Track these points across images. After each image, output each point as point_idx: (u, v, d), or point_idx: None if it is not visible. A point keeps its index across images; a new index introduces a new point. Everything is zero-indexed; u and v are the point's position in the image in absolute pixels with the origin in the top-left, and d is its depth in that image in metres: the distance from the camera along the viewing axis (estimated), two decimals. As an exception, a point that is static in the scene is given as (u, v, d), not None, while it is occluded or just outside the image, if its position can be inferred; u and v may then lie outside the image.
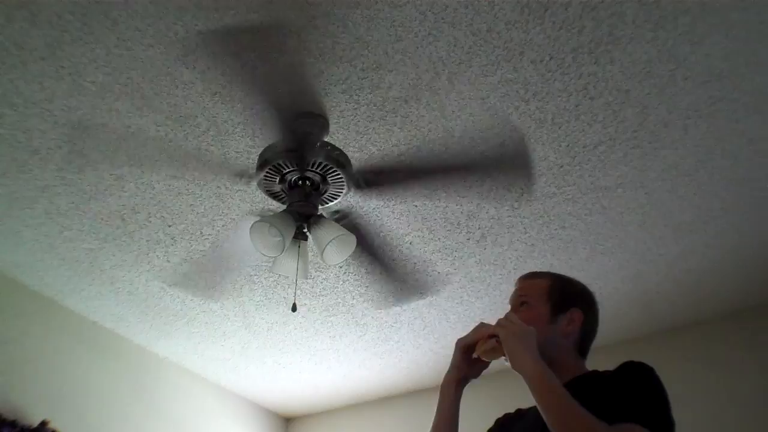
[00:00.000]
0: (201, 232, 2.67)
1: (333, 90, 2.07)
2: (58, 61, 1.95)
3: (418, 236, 2.69)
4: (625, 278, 2.96)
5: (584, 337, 1.44)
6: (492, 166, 2.31)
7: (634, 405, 1.19)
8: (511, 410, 1.57)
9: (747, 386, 2.99)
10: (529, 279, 1.54)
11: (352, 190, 2.18)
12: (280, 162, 2.04)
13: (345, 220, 2.29)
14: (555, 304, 1.45)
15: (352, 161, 2.19)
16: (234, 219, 2.60)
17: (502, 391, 2.89)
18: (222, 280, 2.72)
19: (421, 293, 2.94)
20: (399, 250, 2.70)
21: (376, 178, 2.18)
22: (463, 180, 2.32)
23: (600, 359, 1.48)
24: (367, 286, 2.92)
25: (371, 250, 2.41)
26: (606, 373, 1.33)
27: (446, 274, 2.92)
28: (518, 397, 1.49)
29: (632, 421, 1.16)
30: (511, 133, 2.22)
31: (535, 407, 1.40)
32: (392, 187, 2.25)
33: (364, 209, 2.51)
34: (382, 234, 2.59)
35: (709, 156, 2.33)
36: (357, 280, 2.96)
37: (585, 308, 1.45)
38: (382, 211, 2.54)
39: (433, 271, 2.90)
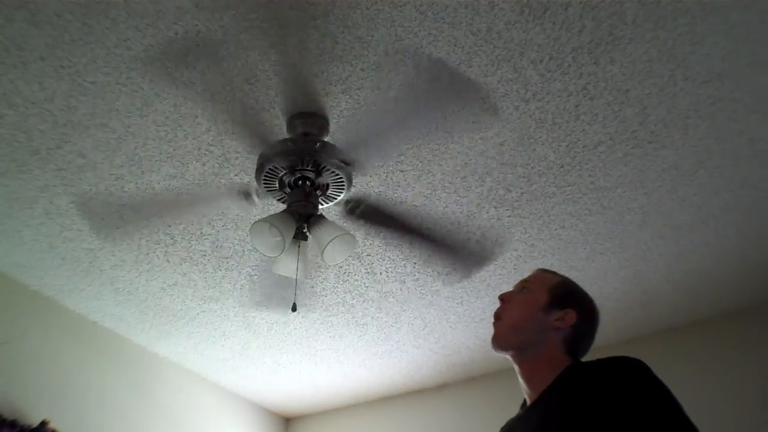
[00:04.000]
0: (201, 232, 2.67)
1: (333, 90, 2.07)
2: (58, 61, 1.95)
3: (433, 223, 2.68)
4: (625, 278, 2.96)
5: (574, 338, 1.44)
6: (457, 253, 2.61)
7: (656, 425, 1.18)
8: (511, 411, 1.57)
9: (747, 386, 2.99)
10: (543, 272, 1.57)
11: (345, 209, 2.20)
12: (279, 163, 2.04)
13: (361, 206, 2.28)
14: (554, 298, 1.47)
15: (351, 161, 2.19)
16: (234, 219, 2.60)
17: (502, 391, 2.90)
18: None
19: (485, 259, 2.88)
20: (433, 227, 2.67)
21: (367, 215, 2.25)
22: (435, 252, 2.53)
23: (600, 359, 1.48)
24: (394, 281, 2.95)
25: (408, 226, 2.40)
26: (592, 367, 1.31)
27: (446, 274, 2.92)
28: (518, 397, 1.49)
29: None
30: (486, 240, 2.55)
31: (531, 407, 1.40)
32: (377, 228, 2.37)
33: (374, 195, 2.50)
34: (406, 211, 2.56)
35: (709, 156, 2.33)
36: (357, 280, 2.96)
37: (581, 313, 1.46)
38: (389, 199, 2.53)
39: (433, 270, 2.90)
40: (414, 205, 2.52)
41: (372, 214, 2.28)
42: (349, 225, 2.37)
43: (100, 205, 2.45)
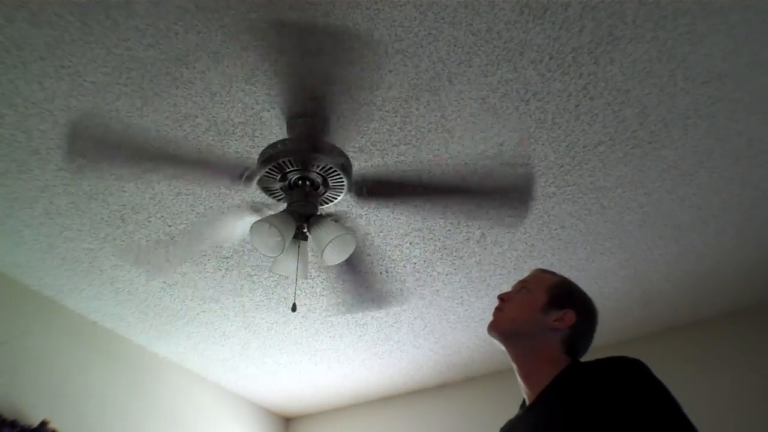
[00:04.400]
0: (201, 232, 2.67)
1: (333, 90, 2.07)
2: (58, 61, 1.95)
3: (418, 236, 2.69)
4: (625, 278, 2.96)
5: (573, 339, 1.44)
6: (494, 195, 2.30)
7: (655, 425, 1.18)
8: (511, 411, 1.57)
9: (747, 386, 2.99)
10: (542, 272, 1.58)
11: (352, 193, 2.18)
12: (284, 161, 2.04)
13: (368, 185, 2.26)
14: (553, 298, 1.47)
15: (353, 163, 2.19)
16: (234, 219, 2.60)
17: (502, 391, 2.90)
18: (180, 260, 2.72)
19: (382, 304, 3.00)
20: (383, 256, 2.72)
21: (376, 189, 2.19)
22: (461, 203, 2.32)
23: (600, 359, 1.48)
24: (393, 281, 2.93)
25: (354, 258, 2.39)
26: (591, 367, 1.31)
27: (446, 274, 2.92)
28: (518, 397, 1.49)
29: None
30: (522, 169, 2.28)
31: (530, 407, 1.40)
32: (391, 200, 2.26)
33: (359, 212, 2.52)
34: (368, 242, 2.61)
35: (709, 156, 2.33)
36: (369, 276, 2.96)
37: (580, 314, 1.46)
38: (382, 211, 2.54)
39: (433, 271, 2.90)
40: (414, 205, 2.52)
41: (381, 189, 2.24)
42: (357, 218, 2.34)
43: (90, 141, 2.28)
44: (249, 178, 2.16)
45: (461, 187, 2.34)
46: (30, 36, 1.87)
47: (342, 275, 2.58)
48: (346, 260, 2.19)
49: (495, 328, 1.48)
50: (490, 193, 2.32)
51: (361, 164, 2.32)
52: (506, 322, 1.47)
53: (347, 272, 2.52)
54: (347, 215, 2.57)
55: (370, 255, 2.70)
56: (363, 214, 2.56)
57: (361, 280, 2.61)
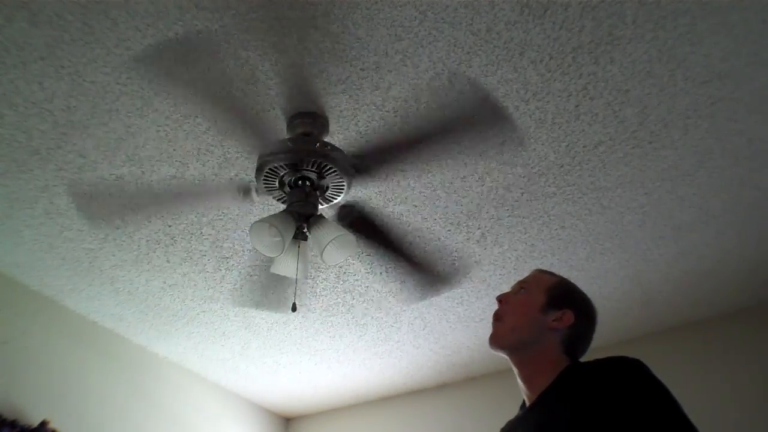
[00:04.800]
0: (201, 232, 2.67)
1: (333, 90, 2.07)
2: (58, 61, 1.95)
3: (418, 236, 2.69)
4: (625, 278, 2.96)
5: (572, 339, 1.44)
6: (476, 125, 2.24)
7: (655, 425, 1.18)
8: (511, 411, 1.57)
9: (747, 386, 2.99)
10: (540, 273, 1.58)
11: (351, 187, 2.18)
12: (279, 163, 2.04)
13: (354, 214, 2.28)
14: (551, 298, 1.47)
15: (348, 157, 2.18)
16: (234, 219, 2.60)
17: (502, 391, 2.89)
18: (282, 292, 2.73)
19: (449, 283, 2.93)
20: (416, 240, 2.69)
21: (366, 163, 2.17)
22: (449, 143, 2.25)
23: (600, 359, 1.48)
24: (393, 281, 2.92)
25: (392, 243, 2.39)
26: (591, 367, 1.31)
27: (444, 277, 2.92)
28: (518, 397, 1.49)
29: None
30: (475, 92, 2.14)
31: (530, 408, 1.40)
32: (384, 168, 2.22)
33: (371, 202, 2.51)
34: (396, 222, 2.56)
35: (709, 156, 2.33)
36: (357, 280, 2.96)
37: (579, 314, 1.46)
38: (382, 212, 2.54)
39: (432, 272, 2.90)
40: (414, 205, 2.52)
41: (362, 224, 2.28)
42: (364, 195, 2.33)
43: (100, 202, 2.44)
44: (247, 192, 2.18)
45: (439, 129, 2.23)
46: (30, 36, 1.87)
47: (396, 265, 2.58)
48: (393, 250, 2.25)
49: (497, 342, 1.47)
50: (468, 123, 2.24)
51: (349, 152, 2.32)
52: (507, 334, 1.47)
53: (399, 262, 2.52)
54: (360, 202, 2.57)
55: (411, 242, 2.68)
56: (373, 206, 2.55)
57: (418, 266, 2.60)
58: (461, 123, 2.23)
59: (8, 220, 2.58)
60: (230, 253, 2.79)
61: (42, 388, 2.89)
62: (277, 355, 3.57)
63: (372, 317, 3.24)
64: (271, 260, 2.24)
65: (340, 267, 2.87)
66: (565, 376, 1.35)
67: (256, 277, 2.65)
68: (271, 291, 2.63)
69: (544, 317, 1.45)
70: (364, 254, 2.77)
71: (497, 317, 1.50)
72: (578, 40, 1.92)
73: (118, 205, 2.41)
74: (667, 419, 1.17)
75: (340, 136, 2.24)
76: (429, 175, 2.40)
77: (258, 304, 2.84)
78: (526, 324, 1.45)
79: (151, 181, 2.39)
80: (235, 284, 2.97)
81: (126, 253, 2.77)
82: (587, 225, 2.65)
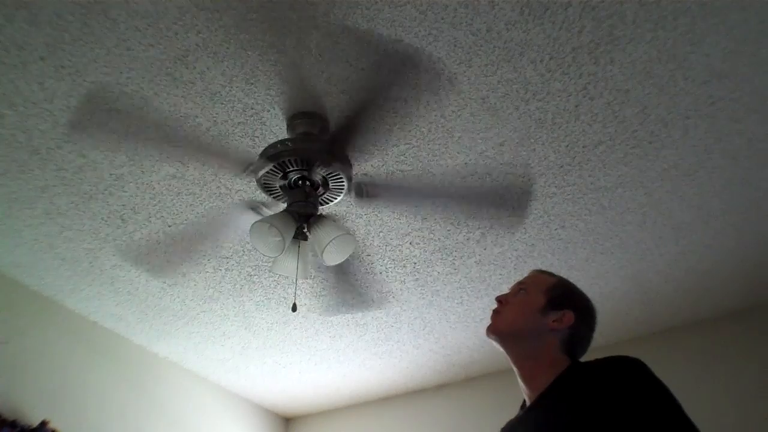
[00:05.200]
0: (201, 232, 2.67)
1: (333, 90, 2.07)
2: (58, 61, 1.95)
3: (418, 236, 2.69)
4: (625, 278, 2.96)
5: (572, 339, 1.44)
6: (491, 203, 2.37)
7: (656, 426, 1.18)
8: (511, 411, 1.57)
9: (747, 386, 2.99)
10: (539, 273, 1.58)
11: (353, 193, 2.19)
12: (287, 160, 2.04)
13: (368, 187, 2.27)
14: (551, 299, 1.47)
15: (353, 163, 2.19)
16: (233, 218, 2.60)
17: (502, 391, 2.89)
18: (181, 260, 2.73)
19: (367, 306, 3.01)
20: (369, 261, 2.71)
21: (376, 191, 2.20)
22: (459, 209, 2.38)
23: (600, 359, 1.48)
24: (394, 281, 2.93)
25: (424, 193, 2.38)
26: (591, 367, 1.31)
27: (446, 274, 2.92)
28: (518, 397, 1.49)
29: None
30: (520, 179, 2.28)
31: (531, 408, 1.40)
32: (391, 202, 2.27)
33: (359, 212, 2.51)
34: (368, 242, 2.60)
35: (709, 156, 2.33)
36: (357, 280, 2.96)
37: (579, 315, 1.46)
38: (382, 211, 2.54)
39: (433, 271, 2.90)
40: (414, 205, 2.52)
41: (381, 191, 2.24)
42: (357, 218, 2.33)
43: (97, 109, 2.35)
44: (252, 172, 2.16)
45: (460, 190, 2.36)
46: (30, 36, 1.87)
47: (333, 276, 2.59)
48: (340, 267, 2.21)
49: (494, 330, 1.48)
50: (489, 195, 2.35)
51: (361, 164, 2.32)
52: (505, 324, 1.47)
53: (336, 274, 2.53)
54: (347, 215, 2.57)
55: (360, 259, 2.75)
56: (363, 214, 2.56)
57: (348, 283, 2.62)
58: (484, 198, 2.28)
59: (8, 220, 2.58)
60: (230, 253, 2.79)
61: (42, 388, 2.89)
62: (277, 355, 3.57)
63: (372, 317, 3.24)
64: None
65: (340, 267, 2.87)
66: (566, 376, 1.35)
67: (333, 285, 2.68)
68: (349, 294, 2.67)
69: (544, 318, 1.45)
70: (364, 254, 2.77)
71: (496, 312, 1.50)
72: (578, 40, 1.92)
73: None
74: (668, 419, 1.17)
75: (339, 136, 2.23)
76: (429, 176, 2.40)
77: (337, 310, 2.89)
78: (526, 322, 1.45)
79: (151, 182, 2.39)
80: (235, 284, 2.97)
81: (126, 253, 2.76)
82: (587, 225, 2.65)
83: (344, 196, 2.19)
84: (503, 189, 2.38)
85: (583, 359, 1.42)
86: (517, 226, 2.57)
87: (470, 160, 2.33)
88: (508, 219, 2.50)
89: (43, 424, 2.73)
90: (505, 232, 2.67)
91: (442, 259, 2.82)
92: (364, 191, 2.19)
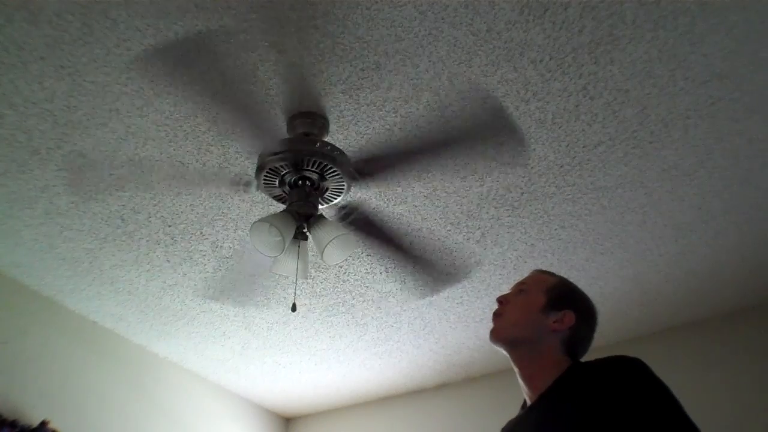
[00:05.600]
0: (201, 232, 2.67)
1: (333, 90, 2.07)
2: (58, 61, 1.95)
3: (418, 236, 2.69)
4: (625, 278, 2.96)
5: (573, 339, 1.44)
6: (479, 133, 2.27)
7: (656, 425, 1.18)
8: (511, 411, 1.57)
9: (747, 386, 2.99)
10: (540, 273, 1.58)
11: (352, 187, 2.18)
12: (279, 163, 2.04)
13: (354, 214, 2.29)
14: (552, 299, 1.47)
15: (351, 159, 2.19)
16: (234, 219, 2.60)
17: (502, 391, 2.89)
18: (254, 287, 2.75)
19: (449, 283, 2.94)
20: (416, 240, 2.70)
21: (369, 167, 2.18)
22: (455, 155, 2.28)
23: (600, 359, 1.48)
24: (393, 281, 2.94)
25: (392, 241, 2.42)
26: (592, 367, 1.31)
27: (446, 274, 2.92)
28: (518, 397, 1.49)
29: None
30: (486, 101, 2.16)
31: (531, 408, 1.40)
32: (386, 173, 2.23)
33: (371, 203, 2.51)
34: (396, 222, 2.57)
35: (709, 156, 2.33)
36: (357, 280, 2.96)
37: (579, 315, 1.46)
38: (382, 212, 2.54)
39: (434, 270, 2.90)
40: (414, 205, 2.52)
41: (362, 224, 2.29)
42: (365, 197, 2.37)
43: (90, 172, 2.37)
44: (248, 184, 2.18)
45: (446, 139, 2.28)
46: (30, 36, 1.87)
47: (398, 264, 2.63)
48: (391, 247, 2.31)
49: (497, 336, 1.47)
50: (475, 134, 2.26)
51: (354, 156, 2.32)
52: (507, 329, 1.47)
53: (400, 260, 2.57)
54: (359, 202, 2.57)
55: (360, 258, 2.78)
56: (373, 206, 2.55)
57: (419, 264, 2.65)
58: (465, 131, 2.25)
59: (8, 220, 2.58)
60: (230, 253, 2.79)
61: (42, 388, 2.89)
62: (277, 355, 3.57)
63: (372, 317, 3.24)
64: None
65: (340, 267, 2.87)
66: (566, 376, 1.35)
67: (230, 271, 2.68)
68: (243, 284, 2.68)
69: (545, 318, 1.45)
70: (364, 254, 2.77)
71: (497, 315, 1.50)
72: (578, 40, 1.92)
73: (107, 182, 2.37)
74: (668, 418, 1.17)
75: (340, 136, 2.24)
76: (429, 176, 2.40)
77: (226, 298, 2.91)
78: (527, 323, 1.45)
79: (151, 182, 2.39)
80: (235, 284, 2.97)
81: (126, 253, 2.77)
82: (587, 225, 2.65)
83: (344, 194, 2.19)
84: (483, 122, 2.28)
85: (583, 359, 1.42)
86: (525, 160, 2.40)
87: (470, 159, 2.33)
88: (509, 150, 2.36)
89: (43, 424, 2.73)
90: (505, 232, 2.68)
91: (442, 259, 2.82)
92: (356, 173, 2.17)
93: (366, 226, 2.34)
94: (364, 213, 2.32)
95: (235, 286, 2.81)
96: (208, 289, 2.95)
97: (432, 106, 2.14)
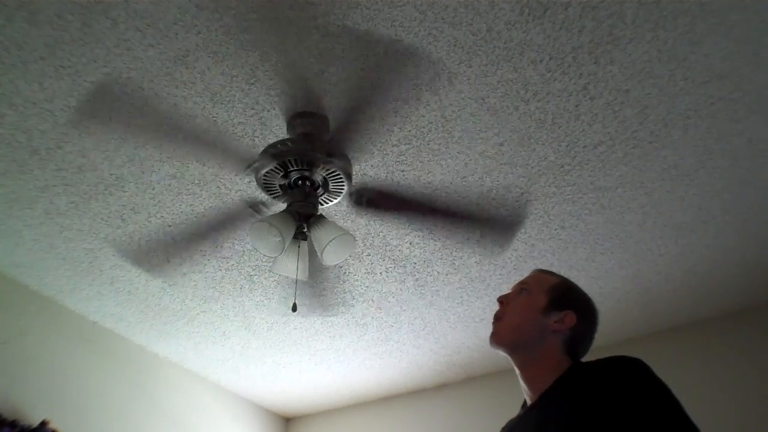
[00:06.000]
0: (201, 232, 2.67)
1: (333, 90, 2.07)
2: (58, 61, 1.95)
3: (419, 236, 2.69)
4: (625, 278, 2.96)
5: (573, 340, 1.44)
6: (483, 222, 2.43)
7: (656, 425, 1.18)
8: (511, 411, 1.57)
9: (747, 386, 2.99)
10: (540, 273, 1.57)
11: (352, 200, 2.20)
12: (290, 159, 2.04)
13: (366, 194, 2.28)
14: (553, 299, 1.47)
15: (353, 164, 2.20)
16: (234, 219, 2.60)
17: (502, 391, 2.90)
18: (181, 260, 2.74)
19: (515, 222, 2.68)
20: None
21: (375, 201, 2.24)
22: (450, 225, 2.42)
23: (600, 359, 1.48)
24: (393, 281, 2.93)
25: (422, 203, 2.39)
26: (592, 367, 1.31)
27: (446, 274, 2.92)
28: (518, 397, 1.49)
29: None
30: (515, 204, 2.36)
31: (532, 408, 1.40)
32: (387, 213, 2.29)
33: (357, 214, 2.51)
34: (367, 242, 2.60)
35: (709, 156, 2.33)
36: (357, 280, 2.96)
37: (580, 315, 1.46)
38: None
39: (433, 271, 2.90)
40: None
41: (380, 200, 2.26)
42: (357, 218, 2.35)
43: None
44: (254, 171, 2.16)
45: (452, 211, 2.42)
46: (30, 36, 1.87)
47: (442, 227, 2.57)
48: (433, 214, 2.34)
49: (498, 341, 1.47)
50: (481, 222, 2.43)
51: (361, 164, 2.32)
52: (507, 333, 1.46)
53: (442, 221, 2.53)
54: (347, 215, 2.57)
55: (360, 259, 2.76)
56: (363, 213, 2.55)
57: (467, 217, 2.56)
58: (478, 218, 2.32)
59: (8, 220, 2.58)
60: (230, 253, 2.79)
61: (42, 388, 2.89)
62: (277, 355, 3.57)
63: (372, 317, 3.24)
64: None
65: (340, 267, 2.87)
66: (567, 376, 1.35)
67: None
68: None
69: (546, 319, 1.44)
70: (365, 254, 2.78)
71: (498, 318, 1.50)
72: (578, 40, 1.92)
73: (107, 179, 2.38)
74: (669, 419, 1.17)
75: (339, 135, 2.23)
76: (429, 176, 2.41)
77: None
78: (528, 325, 1.45)
79: (151, 182, 2.39)
80: (235, 284, 2.97)
81: (126, 253, 2.76)
82: (587, 225, 2.65)
83: (342, 198, 2.19)
84: (494, 218, 2.47)
85: (584, 359, 1.42)
86: (497, 255, 2.72)
87: (470, 160, 2.34)
88: (491, 246, 2.62)
89: (43, 424, 2.73)
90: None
91: (442, 259, 2.82)
92: (363, 200, 2.20)
93: (385, 201, 2.29)
94: (374, 189, 2.29)
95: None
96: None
97: (432, 107, 2.14)
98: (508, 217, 2.49)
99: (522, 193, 2.48)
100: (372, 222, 2.61)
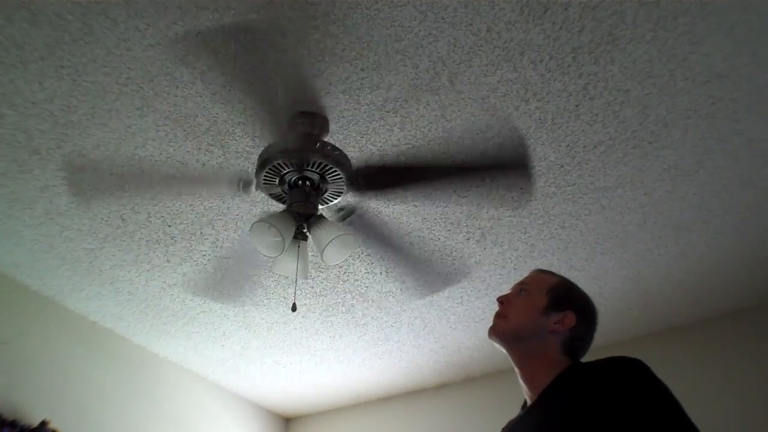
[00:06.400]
0: (201, 232, 2.67)
1: (333, 90, 2.07)
2: (58, 61, 1.95)
3: (418, 236, 2.69)
4: (625, 278, 2.96)
5: (573, 340, 1.44)
6: (491, 166, 2.32)
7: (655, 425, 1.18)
8: (511, 411, 1.57)
9: (747, 386, 2.99)
10: (540, 273, 1.57)
11: (352, 190, 2.18)
12: (280, 162, 2.04)
13: (353, 215, 2.29)
14: (552, 300, 1.47)
15: (352, 161, 2.19)
16: (234, 219, 2.60)
17: (502, 391, 2.89)
18: (245, 284, 2.76)
19: (449, 283, 2.95)
20: (416, 240, 2.72)
21: (374, 179, 2.18)
22: (462, 182, 2.33)
23: (600, 359, 1.48)
24: (393, 281, 2.94)
25: (390, 243, 2.44)
26: (592, 367, 1.31)
27: (446, 274, 2.92)
28: (518, 397, 1.49)
29: None
30: (511, 134, 2.23)
31: (531, 408, 1.40)
32: (391, 188, 2.25)
33: (368, 205, 2.51)
34: (396, 223, 2.59)
35: (709, 156, 2.33)
36: (357, 280, 2.96)
37: (580, 316, 1.46)
38: (382, 212, 2.54)
39: (433, 270, 2.90)
40: (414, 205, 2.52)
41: (378, 178, 2.24)
42: (361, 210, 2.38)
43: (91, 177, 2.40)
44: (247, 185, 2.18)
45: (457, 166, 2.31)
46: (30, 36, 1.87)
47: (396, 265, 2.64)
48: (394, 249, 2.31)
49: (496, 332, 1.47)
50: (487, 166, 2.29)
51: (360, 164, 2.32)
52: (507, 327, 1.47)
53: (399, 261, 2.59)
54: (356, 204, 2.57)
55: (360, 258, 2.77)
56: (369, 209, 2.55)
57: (419, 265, 2.65)
58: (484, 165, 2.28)
59: (8, 220, 2.58)
60: (230, 253, 2.79)
61: (42, 388, 2.89)
62: (277, 355, 3.57)
63: (372, 317, 3.24)
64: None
65: (340, 267, 2.87)
66: (566, 376, 1.35)
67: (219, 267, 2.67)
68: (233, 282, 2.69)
69: (546, 319, 1.44)
70: (364, 254, 2.77)
71: (499, 315, 1.50)
72: (578, 40, 1.92)
73: (108, 182, 2.38)
74: (668, 419, 1.17)
75: (340, 136, 2.24)
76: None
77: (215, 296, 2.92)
78: (527, 326, 1.45)
79: (152, 182, 2.39)
80: (235, 284, 2.97)
81: (126, 253, 2.77)
82: (587, 225, 2.65)
83: (344, 195, 2.19)
84: (500, 156, 2.32)
85: (583, 359, 1.42)
86: (528, 188, 2.44)
87: (469, 161, 2.33)
88: (515, 183, 2.40)
89: (43, 424, 2.73)
90: (505, 232, 2.67)
91: (442, 259, 2.82)
92: (361, 182, 2.17)
93: (365, 227, 2.34)
94: (362, 213, 2.32)
95: (226, 282, 2.80)
96: (196, 284, 2.95)
97: (432, 107, 2.14)
98: (516, 157, 2.35)
99: (522, 194, 2.47)
100: (381, 214, 2.61)
